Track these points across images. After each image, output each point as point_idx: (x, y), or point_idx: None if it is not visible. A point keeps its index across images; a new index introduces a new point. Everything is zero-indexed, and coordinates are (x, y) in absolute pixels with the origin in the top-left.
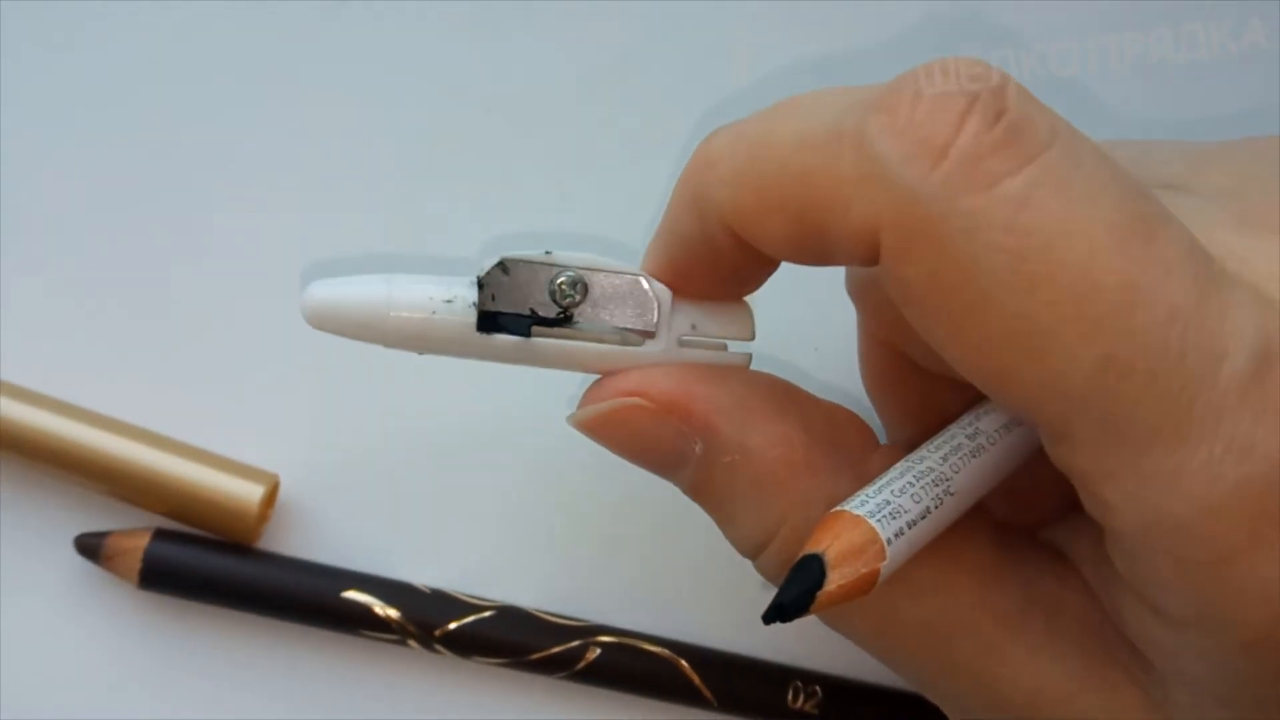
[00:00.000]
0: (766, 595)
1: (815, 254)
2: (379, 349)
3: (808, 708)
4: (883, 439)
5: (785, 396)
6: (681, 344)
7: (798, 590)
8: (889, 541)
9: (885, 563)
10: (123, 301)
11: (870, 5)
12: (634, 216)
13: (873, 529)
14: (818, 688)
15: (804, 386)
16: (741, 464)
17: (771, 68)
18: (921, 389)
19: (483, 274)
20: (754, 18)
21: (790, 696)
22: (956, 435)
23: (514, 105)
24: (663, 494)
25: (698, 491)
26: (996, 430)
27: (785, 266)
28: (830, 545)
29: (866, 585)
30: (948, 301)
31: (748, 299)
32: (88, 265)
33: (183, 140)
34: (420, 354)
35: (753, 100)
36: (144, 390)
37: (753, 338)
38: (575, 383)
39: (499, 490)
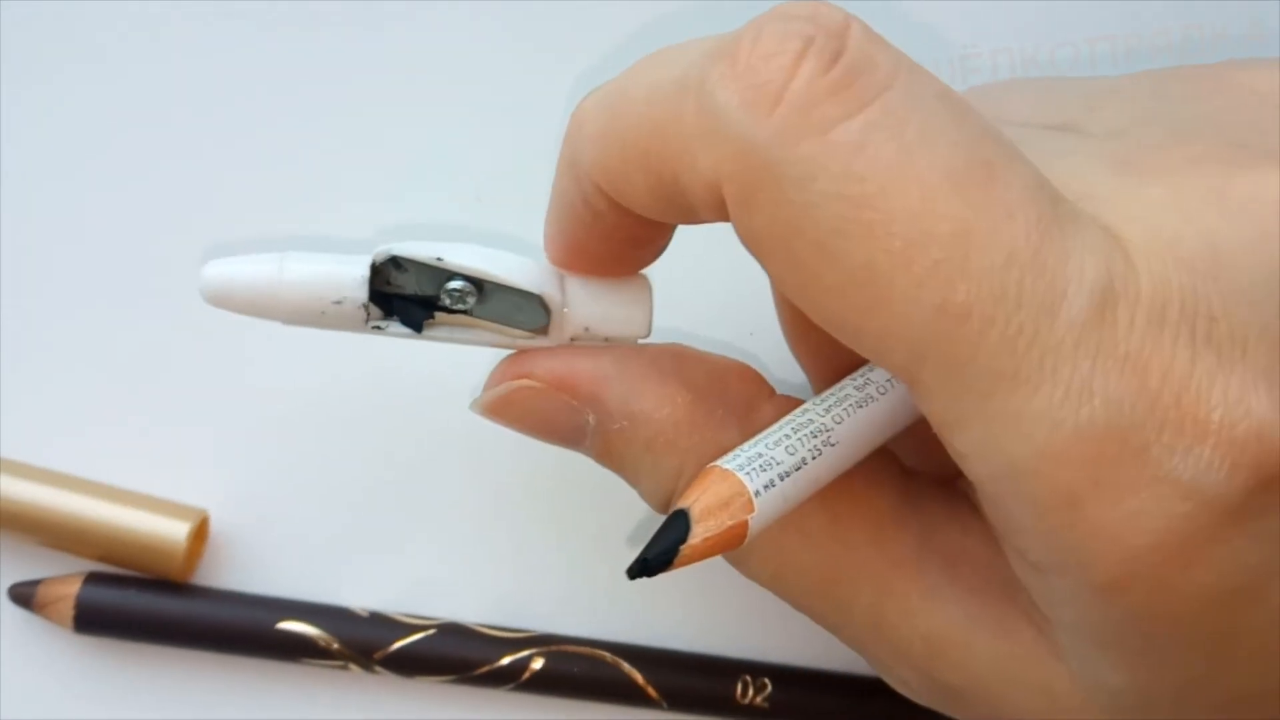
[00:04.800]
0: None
1: (679, 211)
2: (296, 378)
3: (758, 701)
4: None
5: (668, 358)
6: (572, 341)
7: (663, 545)
8: (757, 494)
9: (754, 515)
10: (36, 345)
11: None
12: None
13: (740, 481)
14: (766, 680)
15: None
16: (631, 429)
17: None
18: (832, 343)
19: (377, 262)
20: None
21: (739, 691)
22: (845, 387)
23: (418, 92)
24: (597, 498)
25: (602, 457)
26: (887, 381)
27: (718, 248)
28: (697, 499)
29: (735, 538)
30: (790, 253)
31: (649, 280)
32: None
33: (94, 172)
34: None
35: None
36: (66, 434)
37: (648, 334)
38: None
39: (432, 507)
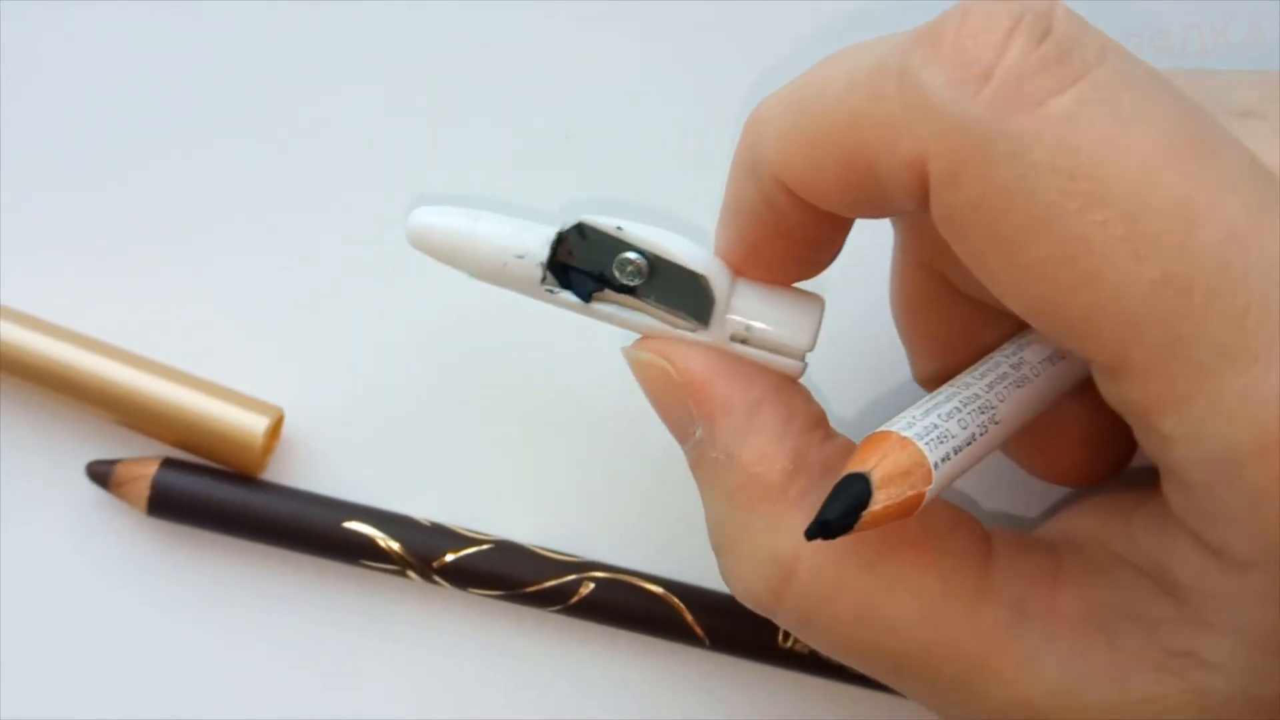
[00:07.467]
0: None
1: (870, 201)
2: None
3: (797, 647)
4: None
5: (801, 419)
6: (733, 340)
7: (843, 507)
8: (935, 466)
9: (931, 487)
10: (133, 231)
11: None
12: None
13: (921, 452)
14: None
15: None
16: (724, 465)
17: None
18: (959, 317)
19: (564, 229)
20: None
21: (781, 635)
22: (1001, 364)
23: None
24: (664, 437)
25: (691, 466)
26: (1041, 362)
27: None
28: (877, 465)
29: (910, 508)
30: (997, 228)
31: (822, 295)
32: (98, 192)
33: (207, 62)
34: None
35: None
36: (156, 322)
37: (811, 347)
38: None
39: (500, 427)
